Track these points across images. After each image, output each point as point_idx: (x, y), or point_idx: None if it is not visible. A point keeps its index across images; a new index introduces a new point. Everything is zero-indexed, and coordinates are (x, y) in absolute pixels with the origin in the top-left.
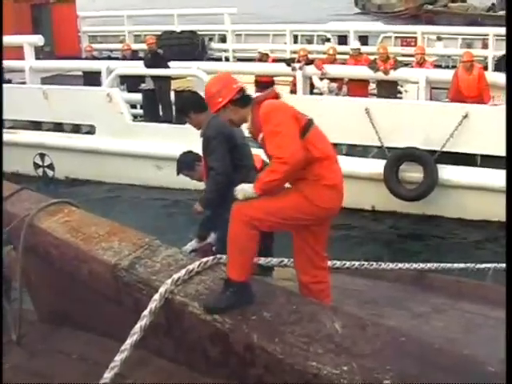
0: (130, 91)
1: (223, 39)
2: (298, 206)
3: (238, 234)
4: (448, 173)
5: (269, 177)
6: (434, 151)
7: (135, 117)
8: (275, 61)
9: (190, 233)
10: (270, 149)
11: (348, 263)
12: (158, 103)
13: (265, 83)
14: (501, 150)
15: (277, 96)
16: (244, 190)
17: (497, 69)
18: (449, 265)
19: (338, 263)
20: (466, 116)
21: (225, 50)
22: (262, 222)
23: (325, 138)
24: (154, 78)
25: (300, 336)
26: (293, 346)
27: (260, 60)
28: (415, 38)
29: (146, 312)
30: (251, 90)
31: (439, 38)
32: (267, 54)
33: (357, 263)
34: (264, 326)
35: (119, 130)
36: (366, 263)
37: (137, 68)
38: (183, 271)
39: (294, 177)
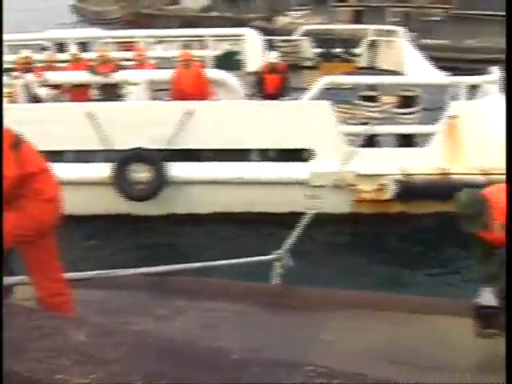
0: None
1: None
2: (20, 224)
3: None
4: (177, 169)
5: None
6: (162, 150)
7: None
8: None
9: None
10: None
11: (88, 273)
12: None
13: None
14: (225, 143)
15: None
16: None
17: (216, 67)
18: (187, 265)
19: (75, 274)
20: (189, 112)
21: None
22: None
23: (36, 152)
24: None
25: (45, 351)
26: (39, 362)
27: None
28: (135, 42)
29: None
30: None
31: (158, 42)
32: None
33: (94, 272)
34: (7, 347)
35: None
36: (103, 271)
37: None
38: None
39: (12, 195)
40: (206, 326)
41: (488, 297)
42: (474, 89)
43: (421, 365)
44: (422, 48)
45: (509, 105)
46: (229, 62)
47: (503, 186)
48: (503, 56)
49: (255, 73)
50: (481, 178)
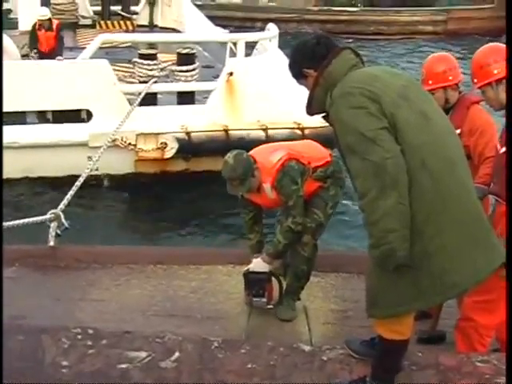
0: None
1: None
2: None
3: None
4: None
5: None
6: None
7: None
8: None
9: None
10: None
11: None
12: None
13: None
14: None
15: None
16: None
17: None
18: None
19: None
20: None
21: None
22: None
23: None
24: None
25: None
26: None
27: None
28: None
29: None
30: None
31: None
32: None
33: None
34: None
35: None
36: None
37: None
38: None
39: None
40: None
41: (258, 263)
42: (252, 45)
43: (199, 316)
44: (216, 7)
45: (509, 104)
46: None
47: (270, 146)
48: (294, 15)
49: (29, 32)
50: (258, 132)
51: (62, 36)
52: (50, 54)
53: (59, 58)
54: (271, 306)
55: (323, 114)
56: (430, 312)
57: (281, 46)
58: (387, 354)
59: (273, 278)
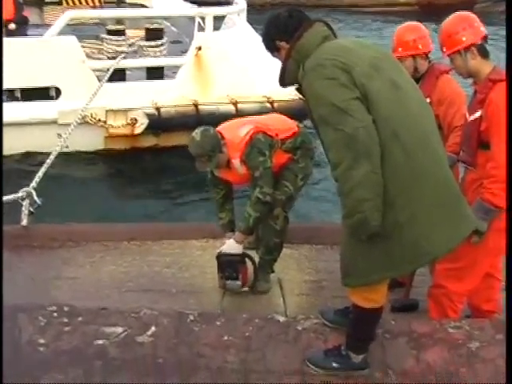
0: None
1: None
2: None
3: None
4: None
5: None
6: None
7: None
8: None
9: None
10: None
11: None
12: None
13: None
14: None
15: None
16: None
17: None
18: None
19: None
20: None
21: None
22: None
23: None
24: None
25: None
26: None
27: None
28: None
29: None
30: None
31: None
32: None
33: None
34: None
35: None
36: None
37: None
38: None
39: None
40: None
41: (231, 245)
42: (220, 19)
43: (174, 290)
44: None
45: (509, 102)
46: None
47: (236, 121)
48: None
49: None
50: (228, 107)
51: (21, 3)
52: (9, 21)
53: (11, 25)
54: (246, 289)
55: (296, 86)
56: (402, 281)
57: (252, 21)
58: (361, 322)
59: (247, 260)
